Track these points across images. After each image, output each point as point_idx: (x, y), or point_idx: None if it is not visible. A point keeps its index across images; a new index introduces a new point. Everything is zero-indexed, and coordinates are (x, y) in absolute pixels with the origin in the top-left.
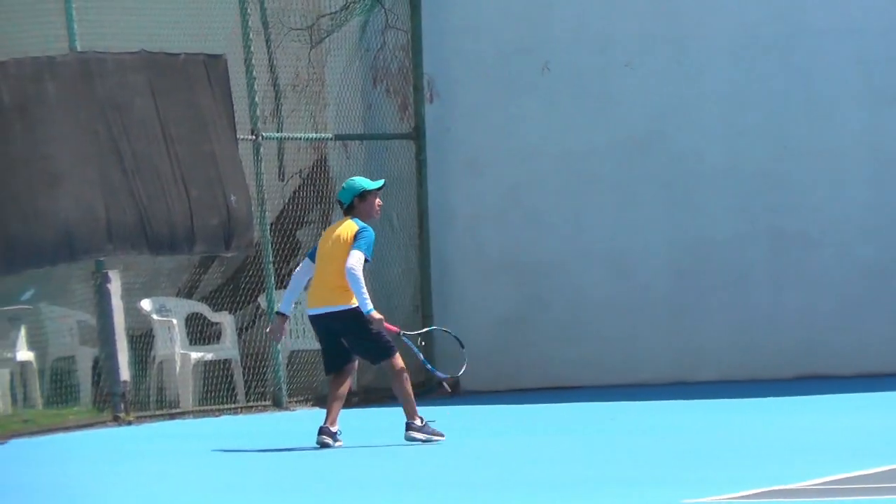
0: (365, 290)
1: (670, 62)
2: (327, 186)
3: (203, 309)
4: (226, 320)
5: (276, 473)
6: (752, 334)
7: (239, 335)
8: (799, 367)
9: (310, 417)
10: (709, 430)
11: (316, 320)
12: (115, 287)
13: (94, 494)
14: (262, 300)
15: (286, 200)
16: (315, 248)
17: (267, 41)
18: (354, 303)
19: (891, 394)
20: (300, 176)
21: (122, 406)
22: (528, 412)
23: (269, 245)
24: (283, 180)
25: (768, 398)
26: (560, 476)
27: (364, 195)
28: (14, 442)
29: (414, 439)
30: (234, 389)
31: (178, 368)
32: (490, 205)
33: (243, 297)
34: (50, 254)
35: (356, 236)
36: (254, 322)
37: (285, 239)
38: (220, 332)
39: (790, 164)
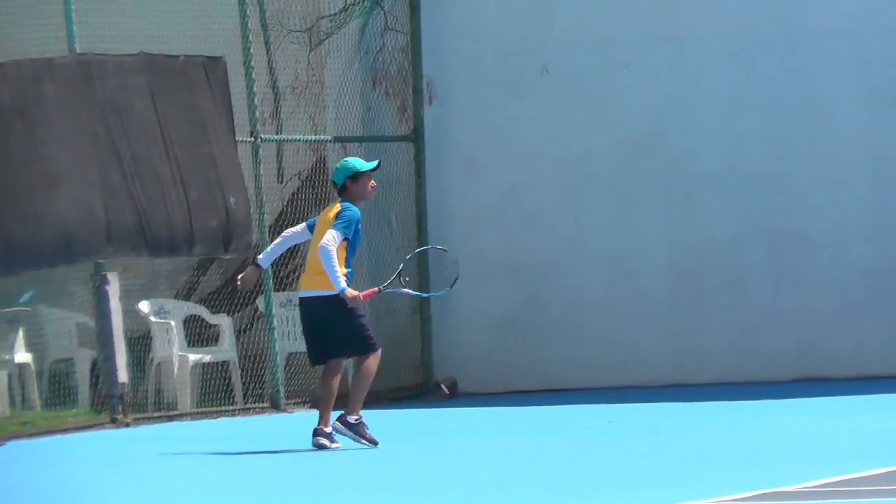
0: (338, 268)
1: (669, 63)
2: (326, 188)
3: (201, 311)
4: (224, 322)
5: (275, 475)
6: (751, 336)
7: (237, 337)
8: (798, 369)
9: (308, 419)
10: (707, 432)
11: (302, 303)
12: (113, 289)
13: (93, 496)
14: (260, 302)
15: (285, 202)
16: (315, 220)
17: (266, 43)
18: (333, 289)
19: (889, 396)
20: (299, 178)
21: (121, 408)
22: (526, 414)
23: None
24: (282, 182)
25: (767, 400)
26: (558, 478)
27: (356, 176)
28: (12, 444)
29: (340, 432)
30: (232, 391)
31: (176, 370)
32: (489, 206)
33: (242, 299)
34: (49, 256)
35: (336, 216)
36: (252, 324)
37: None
38: (218, 334)
39: (789, 166)
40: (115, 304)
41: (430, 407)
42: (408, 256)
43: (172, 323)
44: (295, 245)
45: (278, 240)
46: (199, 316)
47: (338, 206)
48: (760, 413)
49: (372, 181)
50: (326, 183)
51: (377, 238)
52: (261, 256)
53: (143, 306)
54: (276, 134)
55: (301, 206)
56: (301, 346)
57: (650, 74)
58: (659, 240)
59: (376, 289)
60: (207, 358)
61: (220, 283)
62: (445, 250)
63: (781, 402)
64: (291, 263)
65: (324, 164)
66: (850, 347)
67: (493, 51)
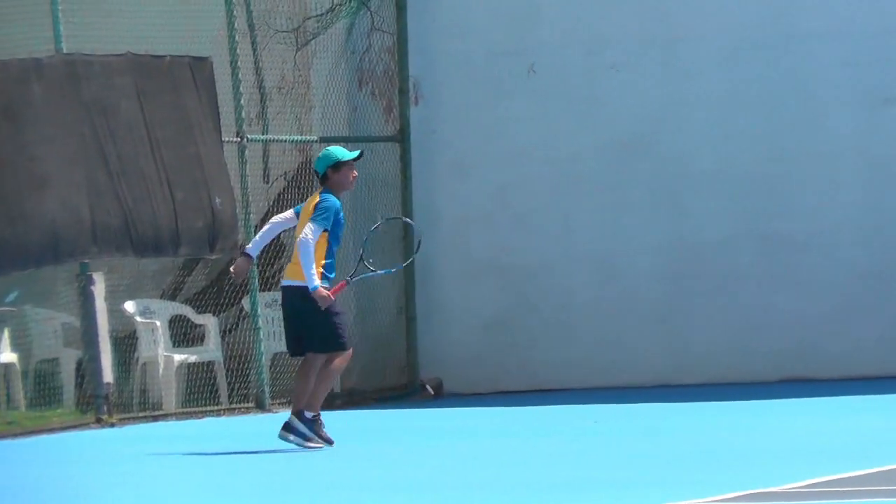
0: (313, 265)
1: (659, 64)
2: (312, 189)
3: (187, 311)
4: (209, 322)
5: (260, 475)
6: (741, 337)
7: (222, 337)
8: (787, 370)
9: None
10: (695, 433)
11: (283, 291)
12: (99, 289)
13: (78, 496)
14: (245, 302)
15: (271, 203)
16: (301, 207)
17: (253, 43)
18: (301, 280)
19: (881, 396)
20: (285, 178)
21: (106, 408)
22: (513, 414)
23: None
24: (267, 182)
25: (757, 400)
26: (545, 478)
27: (338, 166)
28: None
29: (295, 432)
30: (217, 391)
31: (161, 370)
32: (476, 207)
33: (227, 300)
34: (35, 256)
35: (315, 208)
36: (237, 324)
37: (270, 242)
38: (203, 334)
39: (781, 167)
40: (100, 304)
41: (415, 407)
42: (365, 238)
43: (158, 323)
44: (282, 245)
45: (266, 227)
46: (185, 316)
47: (316, 197)
48: (750, 413)
49: (354, 171)
50: (312, 183)
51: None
52: (250, 246)
53: (129, 306)
54: (263, 134)
55: (287, 206)
56: (285, 346)
57: (640, 75)
58: (648, 241)
59: (343, 282)
60: (193, 358)
61: (206, 284)
62: (405, 219)
63: (772, 403)
64: (277, 263)
65: (310, 165)
66: (840, 348)
67: (480, 51)
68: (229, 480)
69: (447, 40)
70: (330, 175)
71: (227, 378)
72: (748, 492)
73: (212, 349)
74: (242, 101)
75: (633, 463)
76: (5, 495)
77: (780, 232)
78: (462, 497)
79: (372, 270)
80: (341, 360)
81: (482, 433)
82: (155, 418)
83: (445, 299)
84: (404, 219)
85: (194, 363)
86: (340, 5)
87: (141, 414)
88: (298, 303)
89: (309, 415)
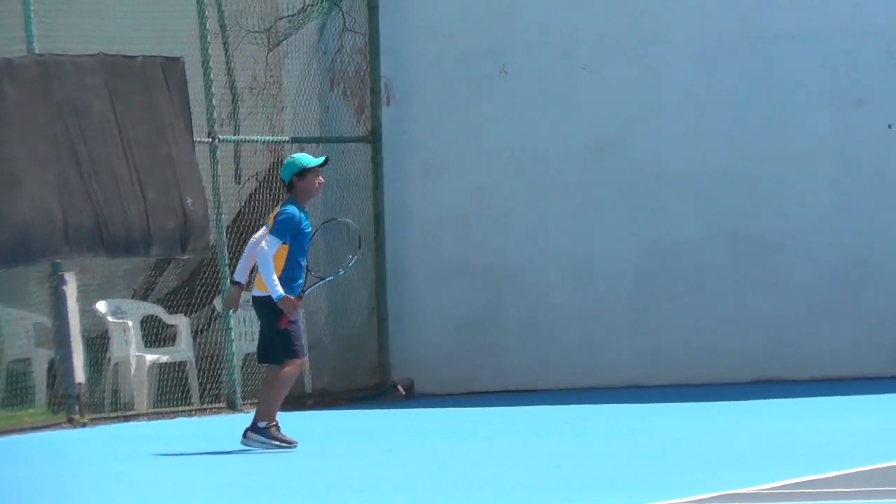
0: (274, 275)
1: (633, 65)
2: (284, 189)
3: (158, 311)
4: (181, 322)
5: (231, 476)
6: (714, 338)
7: (194, 337)
8: (759, 371)
9: None
10: (669, 434)
11: (251, 301)
12: (70, 289)
13: (49, 497)
14: (217, 302)
15: (242, 203)
16: None
17: (224, 44)
18: (264, 291)
19: (851, 398)
20: (257, 179)
21: (77, 408)
22: (485, 415)
23: (226, 248)
24: (239, 183)
25: (729, 402)
26: (517, 479)
27: (303, 173)
28: None
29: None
30: (188, 391)
31: (133, 370)
32: (448, 208)
33: (199, 300)
34: (7, 256)
35: (274, 221)
36: (209, 324)
37: (241, 241)
38: (175, 335)
39: (753, 168)
40: (72, 305)
41: (386, 408)
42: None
43: (129, 323)
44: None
45: (246, 248)
46: (157, 316)
47: (278, 210)
48: (722, 414)
49: (319, 178)
50: (284, 184)
51: (334, 239)
52: (236, 272)
53: (101, 306)
54: (234, 135)
55: (258, 207)
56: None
57: (614, 76)
58: (622, 241)
59: (300, 299)
60: (164, 358)
61: (178, 284)
62: (342, 219)
63: (743, 404)
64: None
65: (281, 165)
66: (812, 349)
67: (452, 52)
68: (201, 480)
69: (419, 41)
70: (295, 182)
71: (198, 378)
72: (722, 493)
73: (183, 349)
74: (214, 102)
75: (606, 464)
76: None
77: (754, 233)
78: (433, 497)
79: (320, 279)
80: (292, 368)
81: (453, 434)
82: (127, 418)
83: (417, 300)
84: (340, 219)
85: (166, 363)
86: (312, 6)
87: (113, 414)
88: (260, 312)
89: (262, 424)
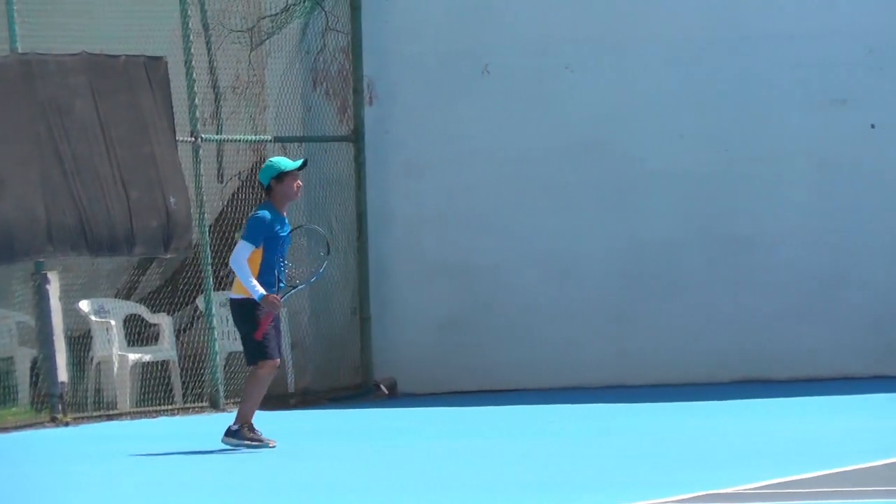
0: (251, 277)
1: (611, 65)
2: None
3: (141, 310)
4: (164, 322)
5: (214, 475)
6: (693, 338)
7: (177, 337)
8: (738, 371)
9: None
10: (648, 434)
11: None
12: (53, 288)
13: (32, 496)
14: (200, 302)
15: (225, 202)
16: None
17: (207, 43)
18: (243, 294)
19: (829, 398)
20: (239, 178)
21: (60, 407)
22: (467, 415)
23: (208, 247)
24: (222, 182)
25: (708, 402)
26: (498, 479)
27: (281, 176)
28: None
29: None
30: (171, 391)
31: (116, 369)
32: (430, 207)
33: (182, 299)
34: None
35: (244, 226)
36: (192, 323)
37: (224, 241)
38: (158, 334)
39: (729, 169)
40: (55, 304)
41: (369, 407)
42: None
43: (112, 322)
44: (235, 243)
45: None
46: (139, 315)
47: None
48: (702, 415)
49: (297, 181)
50: None
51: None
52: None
53: (84, 305)
54: (217, 134)
55: (241, 206)
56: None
57: (592, 76)
58: (601, 241)
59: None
60: (147, 357)
61: (160, 283)
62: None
63: (722, 404)
64: None
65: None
66: (790, 350)
67: (434, 52)
68: (184, 480)
69: (401, 41)
70: (274, 186)
71: (181, 377)
72: (702, 493)
73: (166, 348)
74: (197, 101)
75: (587, 464)
76: None
77: (732, 233)
78: (415, 497)
79: (292, 287)
80: (264, 370)
81: (436, 433)
82: (109, 417)
83: (399, 299)
84: (307, 226)
85: (149, 362)
86: (295, 5)
87: (95, 413)
88: (234, 314)
89: (235, 426)
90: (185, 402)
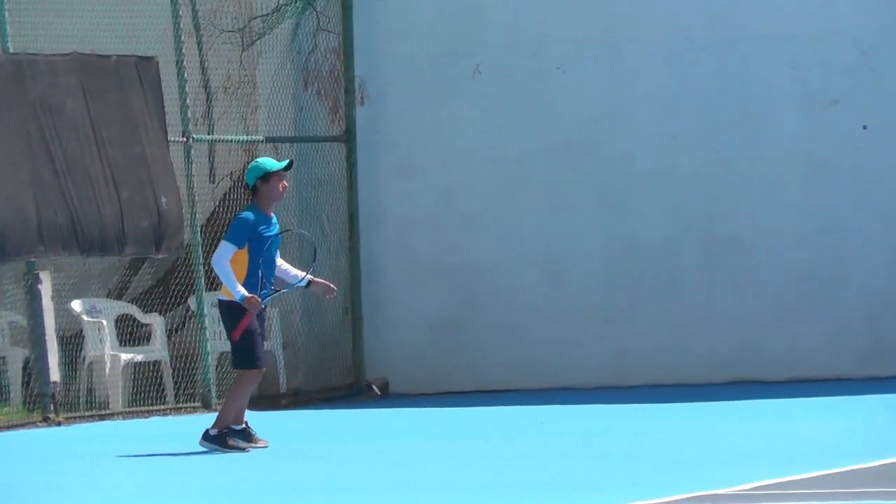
0: (233, 277)
1: (604, 65)
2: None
3: (133, 310)
4: (156, 322)
5: (206, 475)
6: (686, 338)
7: (169, 337)
8: (731, 372)
9: None
10: (640, 435)
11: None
12: (45, 288)
13: (24, 496)
14: (191, 302)
15: (217, 202)
16: None
17: (199, 43)
18: (228, 296)
19: (823, 399)
20: (231, 178)
21: (52, 407)
22: (459, 415)
23: (200, 247)
24: (213, 182)
25: (701, 402)
26: (491, 480)
27: (266, 177)
28: None
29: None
30: (163, 391)
31: (107, 369)
32: (421, 208)
33: (173, 299)
34: None
35: (229, 226)
36: (184, 323)
37: (216, 241)
38: (149, 334)
39: (724, 169)
40: (47, 303)
41: (361, 407)
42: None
43: (104, 322)
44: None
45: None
46: (131, 315)
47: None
48: (694, 415)
49: (283, 182)
50: None
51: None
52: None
53: (76, 305)
54: (208, 134)
55: (233, 207)
56: None
57: (585, 77)
58: (593, 242)
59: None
60: (139, 357)
61: (152, 283)
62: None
63: (715, 405)
64: None
65: None
66: (784, 350)
67: (426, 52)
68: (176, 480)
69: (393, 41)
70: (259, 186)
71: (173, 377)
72: (694, 494)
73: (158, 348)
74: (188, 101)
75: (579, 465)
76: None
77: (725, 233)
78: (408, 497)
79: (275, 290)
80: (248, 379)
81: (428, 434)
82: (101, 417)
83: (391, 299)
84: (294, 230)
85: (141, 362)
86: (286, 5)
87: (87, 413)
88: (223, 316)
89: (214, 431)
90: (177, 402)
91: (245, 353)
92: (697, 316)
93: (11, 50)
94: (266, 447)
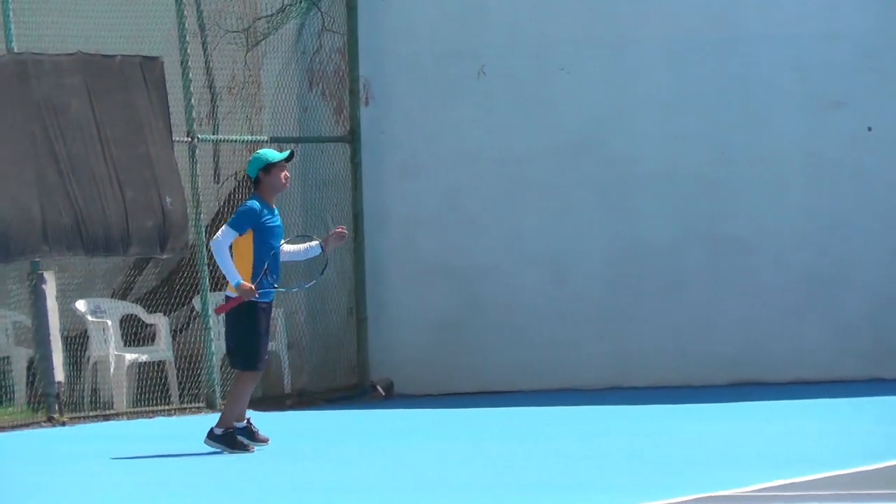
0: (229, 263)
1: (607, 66)
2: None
3: (138, 310)
4: (160, 322)
5: (210, 476)
6: (689, 340)
7: (173, 337)
8: (734, 374)
9: None
10: (643, 436)
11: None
12: (50, 288)
13: (28, 495)
14: (196, 302)
15: (221, 202)
16: None
17: (203, 43)
18: (234, 292)
19: (826, 400)
20: (235, 178)
21: (57, 407)
22: (463, 416)
23: (204, 247)
24: (218, 182)
25: (704, 404)
26: (492, 480)
27: (269, 168)
28: None
29: (212, 446)
30: (167, 391)
31: (112, 370)
32: (425, 208)
33: (178, 299)
34: None
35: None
36: (188, 324)
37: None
38: (154, 334)
39: (727, 170)
40: (51, 303)
41: (365, 408)
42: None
43: (109, 322)
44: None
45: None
46: (136, 315)
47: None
48: (697, 417)
49: (285, 172)
50: None
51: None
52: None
53: (80, 305)
54: (213, 134)
55: (237, 206)
56: None
57: (588, 78)
58: (597, 243)
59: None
60: (144, 357)
61: (157, 283)
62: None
63: (719, 406)
64: None
65: None
66: (787, 351)
67: (430, 53)
68: (180, 480)
69: (397, 41)
70: (262, 178)
71: (177, 378)
72: (696, 496)
73: (162, 349)
74: (193, 101)
75: (581, 466)
76: None
77: (728, 234)
78: (412, 498)
79: (277, 287)
80: (248, 380)
81: (432, 434)
82: (106, 417)
83: (395, 300)
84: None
85: (145, 363)
86: (291, 6)
87: (92, 413)
88: (229, 314)
89: (219, 431)
90: (181, 403)
91: (249, 353)
92: (699, 317)
93: (16, 50)
94: (267, 443)
